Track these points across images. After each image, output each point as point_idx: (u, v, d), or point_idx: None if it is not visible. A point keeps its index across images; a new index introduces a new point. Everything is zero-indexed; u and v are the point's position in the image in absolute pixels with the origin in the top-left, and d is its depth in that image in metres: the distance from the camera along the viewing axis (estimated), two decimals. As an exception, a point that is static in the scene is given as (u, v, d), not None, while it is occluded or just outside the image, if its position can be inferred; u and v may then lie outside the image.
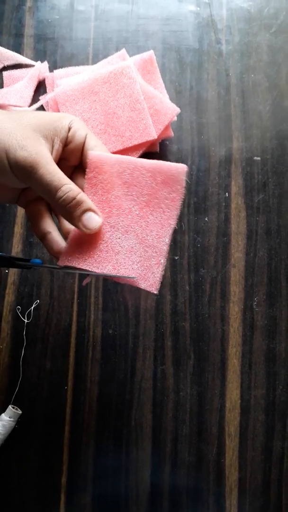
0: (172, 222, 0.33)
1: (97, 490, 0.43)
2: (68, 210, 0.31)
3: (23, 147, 0.29)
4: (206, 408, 0.44)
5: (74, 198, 0.31)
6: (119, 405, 0.44)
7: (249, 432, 0.43)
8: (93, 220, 0.32)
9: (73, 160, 0.34)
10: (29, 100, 0.50)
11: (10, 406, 0.42)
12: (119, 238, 0.33)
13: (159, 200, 0.33)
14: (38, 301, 0.45)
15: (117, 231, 0.33)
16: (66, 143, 0.33)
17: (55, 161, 0.32)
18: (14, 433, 0.43)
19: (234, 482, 0.43)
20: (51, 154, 0.32)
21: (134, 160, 0.33)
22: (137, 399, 0.44)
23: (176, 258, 0.47)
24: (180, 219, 0.48)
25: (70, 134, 0.32)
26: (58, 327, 0.45)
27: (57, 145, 0.32)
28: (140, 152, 0.46)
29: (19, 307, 0.45)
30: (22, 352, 0.44)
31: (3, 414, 0.42)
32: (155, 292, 0.32)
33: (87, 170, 0.33)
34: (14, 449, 0.43)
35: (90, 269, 0.32)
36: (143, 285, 0.33)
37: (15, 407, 0.42)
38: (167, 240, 0.33)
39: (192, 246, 0.47)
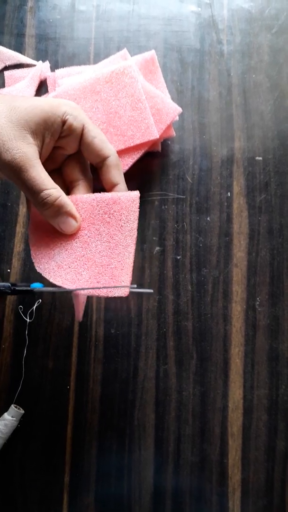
0: (131, 250, 0.35)
1: (100, 490, 0.42)
2: (46, 214, 0.33)
3: (8, 150, 0.30)
4: (209, 408, 0.44)
5: (53, 203, 0.32)
6: (121, 404, 0.44)
7: (252, 432, 0.43)
8: (68, 223, 0.33)
9: (69, 150, 0.35)
10: (31, 100, 0.50)
11: (12, 406, 0.42)
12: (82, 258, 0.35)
13: (116, 232, 0.35)
14: (40, 300, 0.45)
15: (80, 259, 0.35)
16: (61, 136, 0.33)
17: (45, 155, 0.33)
18: (17, 432, 0.43)
19: (237, 482, 0.43)
20: (41, 149, 0.32)
21: (90, 199, 0.35)
22: (140, 399, 0.44)
23: (178, 257, 0.47)
24: (182, 218, 0.48)
25: (65, 128, 0.33)
26: (60, 326, 0.45)
27: (48, 139, 0.33)
28: (142, 151, 0.46)
29: (21, 306, 0.45)
30: (25, 352, 0.44)
31: (5, 414, 0.42)
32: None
33: None
34: (17, 449, 0.43)
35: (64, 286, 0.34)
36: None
37: (18, 406, 0.42)
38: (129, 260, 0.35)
39: (194, 246, 0.47)
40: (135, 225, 0.35)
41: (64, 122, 0.33)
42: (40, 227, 0.35)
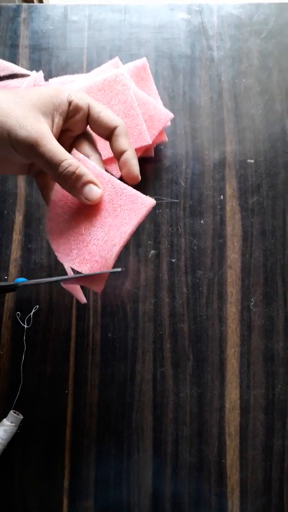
0: (124, 236, 0.34)
1: (99, 493, 0.43)
2: (69, 184, 0.33)
3: (23, 127, 0.31)
4: (206, 409, 0.44)
5: (74, 172, 0.32)
6: (119, 407, 0.44)
7: (249, 432, 0.44)
8: (93, 191, 0.33)
9: (76, 130, 0.36)
10: (25, 109, 0.50)
11: (11, 411, 0.43)
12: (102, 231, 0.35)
13: (121, 213, 0.35)
14: (38, 306, 0.45)
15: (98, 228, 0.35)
16: (68, 116, 0.34)
17: (56, 135, 0.33)
18: (16, 438, 0.43)
19: (235, 482, 0.43)
20: (52, 129, 0.33)
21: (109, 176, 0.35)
22: (138, 402, 0.44)
23: (173, 260, 0.47)
24: (176, 222, 0.48)
25: (71, 108, 0.34)
26: (57, 331, 0.46)
27: (57, 119, 0.33)
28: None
29: (18, 312, 0.45)
30: (23, 358, 0.44)
31: (4, 419, 0.43)
32: (153, 202, 0.34)
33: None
34: (16, 454, 0.43)
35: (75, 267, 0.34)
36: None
37: (17, 412, 0.43)
38: (116, 248, 0.34)
39: (189, 249, 0.48)
40: (134, 225, 0.35)
41: (70, 102, 0.34)
42: (59, 218, 0.35)
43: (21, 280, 0.36)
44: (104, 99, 0.47)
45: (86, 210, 0.35)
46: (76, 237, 0.35)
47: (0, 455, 0.42)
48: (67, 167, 0.32)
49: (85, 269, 0.34)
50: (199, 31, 0.54)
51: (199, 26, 0.54)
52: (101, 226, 0.35)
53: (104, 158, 0.46)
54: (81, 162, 0.34)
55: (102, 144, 0.46)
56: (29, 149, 0.31)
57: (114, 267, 0.34)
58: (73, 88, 0.35)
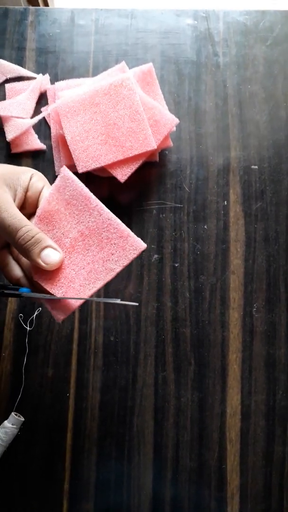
0: (99, 206, 0.34)
1: (99, 497, 0.43)
2: (27, 249, 0.33)
3: None
4: (207, 414, 0.44)
5: (33, 237, 0.33)
6: (121, 411, 0.44)
7: (250, 438, 0.44)
8: (51, 255, 0.34)
9: (29, 208, 0.37)
10: (31, 112, 0.51)
11: (12, 413, 0.43)
12: (88, 252, 0.35)
13: (81, 205, 0.35)
14: (40, 308, 0.46)
15: (80, 251, 0.35)
16: (26, 191, 0.36)
17: (17, 207, 0.35)
18: (17, 440, 0.43)
19: (235, 488, 0.43)
20: (14, 201, 0.35)
21: (43, 206, 0.35)
22: (139, 406, 0.44)
23: (176, 265, 0.48)
24: (180, 227, 0.49)
25: (30, 184, 0.36)
26: (60, 334, 0.46)
27: (20, 194, 0.35)
28: (140, 161, 0.47)
29: (21, 314, 0.46)
30: (25, 360, 0.44)
31: (5, 422, 0.43)
32: (144, 246, 0.34)
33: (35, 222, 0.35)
34: (17, 456, 0.43)
35: (100, 284, 0.34)
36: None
37: (18, 414, 0.43)
38: (112, 218, 0.34)
39: (192, 254, 0.48)
40: (86, 193, 0.35)
41: (31, 178, 0.36)
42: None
43: (26, 290, 0.36)
44: (110, 103, 0.47)
45: (71, 234, 0.35)
46: None
47: (0, 457, 0.42)
48: (26, 232, 0.33)
49: (58, 293, 0.34)
50: (205, 37, 0.54)
51: (205, 32, 0.54)
52: (83, 254, 0.34)
53: (108, 162, 0.46)
54: (69, 179, 0.35)
55: (107, 148, 0.47)
56: None
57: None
58: (36, 171, 0.37)
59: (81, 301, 0.35)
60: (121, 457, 0.43)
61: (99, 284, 0.34)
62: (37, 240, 0.33)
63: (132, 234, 0.34)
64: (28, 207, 0.37)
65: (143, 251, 0.34)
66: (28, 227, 0.33)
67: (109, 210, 0.34)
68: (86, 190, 0.35)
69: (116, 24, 0.54)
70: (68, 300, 0.34)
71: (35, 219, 0.35)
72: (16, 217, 0.33)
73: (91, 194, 0.34)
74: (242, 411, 0.44)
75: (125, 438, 0.44)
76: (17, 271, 0.36)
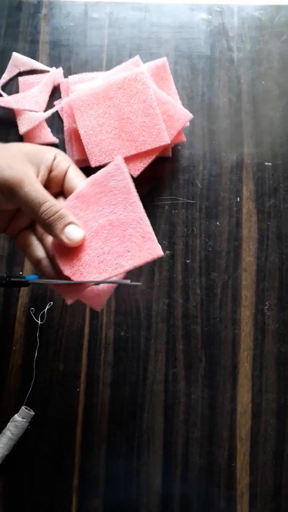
0: (137, 202, 0.34)
1: (108, 493, 0.43)
2: (50, 224, 0.33)
3: (12, 167, 0.32)
4: (217, 412, 0.44)
5: (57, 212, 0.33)
6: (131, 407, 0.44)
7: (260, 436, 0.44)
8: (75, 232, 0.33)
9: (54, 188, 0.36)
10: (44, 105, 0.50)
11: (23, 407, 0.43)
12: (108, 242, 0.34)
13: (120, 196, 0.34)
14: (52, 303, 0.45)
15: (102, 238, 0.34)
16: (50, 170, 0.35)
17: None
18: (27, 434, 0.43)
19: (245, 486, 0.43)
20: (37, 178, 0.34)
21: (86, 184, 0.35)
22: (149, 402, 0.44)
23: (188, 261, 0.47)
24: (192, 223, 0.48)
25: (54, 163, 0.35)
26: (71, 329, 0.46)
27: (43, 172, 0.35)
28: (153, 157, 0.47)
29: (32, 308, 0.45)
30: (35, 354, 0.44)
31: (16, 415, 0.43)
32: (161, 254, 0.33)
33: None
34: (27, 450, 0.43)
35: (105, 276, 0.34)
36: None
37: (28, 408, 0.43)
38: (144, 217, 0.34)
39: (204, 250, 0.48)
40: (130, 188, 0.34)
41: (54, 158, 0.36)
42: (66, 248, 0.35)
43: (32, 277, 0.36)
44: (124, 97, 0.47)
45: (101, 220, 0.35)
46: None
47: (10, 451, 0.42)
48: (50, 206, 0.33)
49: (68, 273, 0.34)
50: (219, 31, 0.54)
51: (219, 27, 0.54)
52: (103, 243, 0.34)
53: (124, 155, 0.46)
54: (120, 169, 0.34)
55: (120, 142, 0.46)
56: (14, 188, 0.32)
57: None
58: (59, 150, 0.37)
59: (89, 285, 0.34)
60: (131, 454, 0.43)
61: (104, 276, 0.34)
62: (61, 216, 0.33)
63: (154, 238, 0.34)
64: (53, 187, 0.36)
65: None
66: (51, 202, 0.33)
67: (143, 210, 0.34)
68: (131, 184, 0.34)
69: (130, 18, 0.54)
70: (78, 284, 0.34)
71: (73, 194, 0.35)
72: (39, 191, 0.33)
73: (135, 189, 0.34)
74: (253, 409, 0.44)
75: (135, 435, 0.44)
76: (40, 251, 0.36)
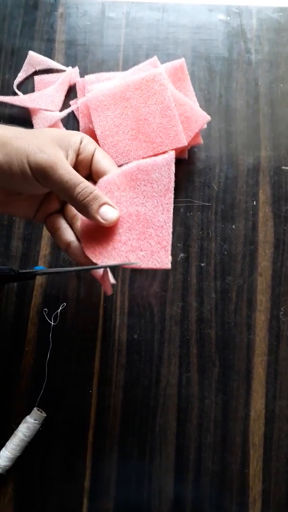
0: (170, 206, 0.34)
1: (120, 496, 0.42)
2: (86, 205, 0.34)
3: (43, 151, 0.33)
4: (231, 417, 0.44)
5: (91, 193, 0.33)
6: (143, 410, 0.44)
7: (273, 443, 0.43)
8: (110, 212, 0.34)
9: (83, 171, 0.37)
10: (60, 105, 0.50)
11: (35, 408, 0.42)
12: (127, 232, 0.35)
13: (157, 192, 0.35)
14: (65, 304, 0.45)
15: (124, 226, 0.35)
16: (77, 154, 0.36)
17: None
18: (38, 436, 0.43)
19: (258, 493, 0.42)
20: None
21: (130, 168, 0.35)
22: (162, 406, 0.44)
23: (203, 265, 0.47)
24: (207, 226, 0.48)
25: (81, 146, 0.36)
26: (84, 330, 0.45)
27: (71, 155, 0.35)
28: (170, 158, 0.46)
29: (45, 309, 0.45)
30: (48, 355, 0.44)
31: (28, 416, 0.42)
32: (168, 267, 0.34)
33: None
34: (38, 452, 0.43)
35: (111, 262, 0.34)
36: (155, 264, 0.34)
37: (40, 409, 0.42)
38: (168, 223, 0.34)
39: (219, 253, 0.47)
40: (170, 188, 0.34)
41: (81, 141, 0.36)
42: (92, 232, 0.36)
43: (40, 268, 0.36)
44: (141, 98, 0.46)
45: (131, 208, 0.35)
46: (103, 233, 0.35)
47: (22, 452, 0.42)
48: (84, 188, 0.33)
49: (88, 252, 0.35)
50: (237, 33, 0.53)
51: (237, 28, 0.53)
52: (123, 230, 0.35)
53: (138, 158, 0.45)
54: (169, 164, 0.34)
55: (137, 144, 0.46)
56: (47, 171, 0.32)
57: None
58: (85, 134, 0.37)
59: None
60: (143, 457, 0.43)
61: (110, 263, 0.34)
62: (96, 197, 0.33)
63: (169, 249, 0.34)
64: (81, 170, 0.36)
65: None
66: (85, 183, 0.33)
67: (172, 216, 0.34)
68: (172, 185, 0.34)
69: (147, 18, 0.54)
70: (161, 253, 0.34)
71: (119, 170, 0.35)
72: (72, 174, 0.33)
73: (173, 192, 0.34)
74: (266, 415, 0.44)
75: (147, 438, 0.43)
76: (69, 235, 0.36)
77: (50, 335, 0.45)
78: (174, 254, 0.47)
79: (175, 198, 0.48)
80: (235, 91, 0.51)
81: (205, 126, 0.48)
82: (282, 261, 0.47)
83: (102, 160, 0.36)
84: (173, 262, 0.47)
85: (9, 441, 0.42)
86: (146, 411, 0.44)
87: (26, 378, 0.44)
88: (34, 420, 0.42)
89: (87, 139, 0.37)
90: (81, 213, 0.35)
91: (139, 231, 0.34)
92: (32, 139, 0.33)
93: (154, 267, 0.34)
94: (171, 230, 0.34)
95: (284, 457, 0.43)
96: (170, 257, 0.34)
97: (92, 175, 0.37)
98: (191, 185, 0.49)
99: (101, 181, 0.36)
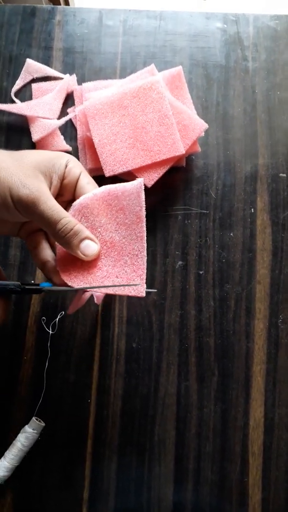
0: (143, 234, 0.34)
1: (119, 505, 0.42)
2: (67, 240, 0.34)
3: (25, 185, 0.32)
4: (230, 426, 0.44)
5: (72, 229, 0.33)
6: (142, 420, 0.44)
7: (273, 451, 0.43)
8: (91, 246, 0.34)
9: (67, 195, 0.37)
10: (58, 113, 0.50)
11: (33, 418, 0.42)
12: (103, 259, 0.35)
13: (129, 220, 0.35)
14: (63, 312, 0.45)
15: (105, 253, 0.35)
16: (62, 178, 0.35)
17: (53, 196, 0.35)
18: (37, 445, 0.42)
19: (257, 502, 0.42)
20: (50, 189, 0.34)
21: (101, 193, 0.35)
22: (161, 415, 0.44)
23: (201, 272, 0.47)
24: (205, 233, 0.48)
25: (66, 170, 0.36)
26: (82, 339, 0.45)
27: (56, 181, 0.35)
28: (168, 166, 0.47)
29: (44, 318, 0.45)
30: (46, 364, 0.44)
31: (26, 426, 0.42)
32: (143, 295, 0.34)
33: (71, 213, 0.35)
34: (37, 462, 0.43)
35: (86, 286, 0.34)
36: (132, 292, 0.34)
37: (39, 419, 0.42)
38: (143, 253, 0.34)
39: (217, 261, 0.47)
40: (141, 217, 0.34)
41: (66, 165, 0.36)
42: (68, 256, 0.36)
43: (46, 285, 0.36)
44: (139, 106, 0.46)
45: (105, 235, 0.35)
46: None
47: (21, 462, 0.42)
48: (65, 224, 0.33)
49: (66, 280, 0.35)
50: (234, 41, 0.53)
51: (234, 36, 0.54)
52: (99, 258, 0.35)
53: (136, 166, 0.46)
54: (139, 192, 0.34)
55: (135, 152, 0.46)
56: (29, 206, 0.32)
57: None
58: (71, 156, 0.37)
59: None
60: (142, 467, 0.43)
61: (85, 286, 0.34)
62: (76, 232, 0.34)
63: (144, 277, 0.34)
64: (65, 194, 0.36)
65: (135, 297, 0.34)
66: (66, 219, 0.33)
67: (145, 245, 0.34)
68: (144, 212, 0.34)
69: (144, 26, 0.54)
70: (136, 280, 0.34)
71: (88, 195, 0.35)
72: (54, 209, 0.33)
73: (145, 220, 0.34)
74: (265, 424, 0.44)
75: (146, 447, 0.43)
76: (46, 254, 0.37)
77: (49, 344, 0.44)
78: (172, 262, 0.47)
79: (173, 206, 0.49)
80: (233, 99, 0.52)
81: (203, 134, 0.48)
82: (280, 269, 0.47)
83: (86, 186, 0.36)
84: (171, 270, 0.47)
85: (7, 451, 0.42)
86: (144, 420, 0.44)
87: (24, 387, 0.44)
88: (33, 429, 0.42)
89: (73, 163, 0.36)
90: (62, 247, 0.35)
91: (115, 258, 0.34)
92: (15, 170, 0.33)
93: (130, 294, 0.34)
94: (145, 259, 0.34)
95: (284, 465, 0.43)
96: (145, 286, 0.34)
97: (76, 199, 0.37)
98: (188, 192, 0.49)
99: (75, 204, 0.35)
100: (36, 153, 0.36)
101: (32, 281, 0.47)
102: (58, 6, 0.55)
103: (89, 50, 0.53)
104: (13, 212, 0.33)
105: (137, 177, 0.46)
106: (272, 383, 0.44)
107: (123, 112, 0.46)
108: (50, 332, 0.45)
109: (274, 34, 0.54)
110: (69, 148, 0.49)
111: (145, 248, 0.34)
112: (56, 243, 0.36)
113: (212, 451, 0.43)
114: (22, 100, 0.51)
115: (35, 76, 0.52)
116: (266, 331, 0.45)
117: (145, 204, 0.34)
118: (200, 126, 0.47)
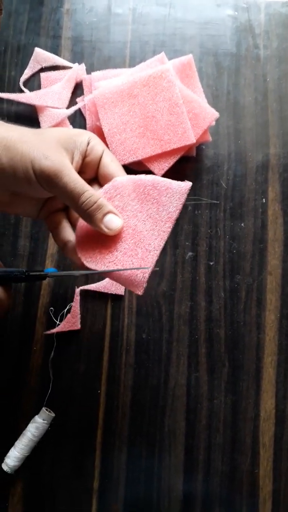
0: (166, 235, 0.34)
1: (129, 496, 0.42)
2: (90, 214, 0.33)
3: (47, 157, 0.31)
4: (240, 417, 0.43)
5: (96, 202, 0.33)
6: (152, 410, 0.43)
7: (283, 443, 0.43)
8: (114, 221, 0.33)
9: (89, 173, 0.36)
10: (67, 102, 0.50)
11: (43, 408, 0.42)
12: (124, 243, 0.34)
13: (160, 216, 0.34)
14: (72, 303, 0.45)
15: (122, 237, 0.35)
16: (84, 156, 0.35)
17: (76, 171, 0.34)
18: (47, 436, 0.42)
19: (268, 493, 0.42)
20: (72, 165, 0.34)
21: (145, 180, 0.34)
22: (171, 406, 0.43)
23: (211, 263, 0.46)
24: (216, 224, 0.47)
25: (88, 148, 0.35)
26: (91, 330, 0.45)
27: (77, 157, 0.34)
28: (178, 156, 0.46)
29: (52, 308, 0.45)
30: (52, 354, 0.44)
31: (36, 416, 0.42)
32: (139, 293, 0.33)
33: (103, 193, 0.34)
34: (47, 452, 0.43)
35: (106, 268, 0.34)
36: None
37: (49, 409, 0.42)
38: (157, 252, 0.34)
39: (228, 252, 0.47)
40: (173, 218, 0.34)
41: (88, 143, 0.35)
42: (86, 235, 0.35)
43: (51, 270, 0.36)
44: (149, 95, 0.46)
45: (130, 221, 0.35)
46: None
47: (31, 452, 0.42)
48: (89, 197, 0.32)
49: (84, 261, 0.34)
50: (245, 28, 0.53)
51: (245, 24, 0.53)
52: (118, 242, 0.34)
53: (146, 156, 0.45)
54: (182, 193, 0.34)
55: (145, 141, 0.45)
56: (52, 179, 0.31)
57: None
58: (93, 134, 0.36)
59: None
60: (152, 457, 0.43)
61: (100, 269, 0.34)
62: (100, 206, 0.33)
63: (146, 276, 0.33)
64: (87, 172, 0.36)
65: (154, 268, 0.34)
66: (90, 192, 0.32)
67: (163, 245, 0.34)
68: (177, 215, 0.34)
69: (154, 14, 0.53)
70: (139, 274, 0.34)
71: (134, 177, 0.34)
72: (78, 182, 0.32)
73: (174, 221, 0.34)
74: (276, 415, 0.43)
75: (156, 438, 0.43)
76: (68, 233, 0.36)
77: (54, 335, 0.44)
78: (182, 253, 0.47)
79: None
80: (244, 88, 0.51)
81: (214, 123, 0.47)
82: (292, 260, 0.46)
83: (110, 164, 0.35)
84: (181, 261, 0.47)
85: (17, 441, 0.42)
86: (154, 411, 0.43)
87: (34, 378, 0.44)
88: (43, 420, 0.42)
89: (95, 140, 0.35)
90: (85, 221, 0.34)
91: (129, 247, 0.34)
92: (37, 143, 0.32)
93: (128, 288, 0.34)
94: (156, 258, 0.33)
95: (295, 457, 0.43)
96: (143, 287, 0.33)
97: (98, 178, 0.36)
98: (199, 183, 0.48)
99: (116, 179, 0.35)
100: (57, 130, 0.35)
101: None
102: (67, -6, 0.54)
103: (98, 39, 0.52)
104: (35, 186, 0.32)
105: (147, 166, 0.46)
106: (283, 375, 0.44)
107: (133, 101, 0.46)
108: (58, 322, 0.44)
109: (286, 21, 0.53)
110: (78, 138, 0.49)
111: (161, 248, 0.33)
112: (78, 220, 0.35)
113: (222, 442, 0.43)
114: (31, 89, 0.51)
115: (43, 65, 0.51)
116: (277, 322, 0.45)
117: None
118: (211, 115, 0.46)
